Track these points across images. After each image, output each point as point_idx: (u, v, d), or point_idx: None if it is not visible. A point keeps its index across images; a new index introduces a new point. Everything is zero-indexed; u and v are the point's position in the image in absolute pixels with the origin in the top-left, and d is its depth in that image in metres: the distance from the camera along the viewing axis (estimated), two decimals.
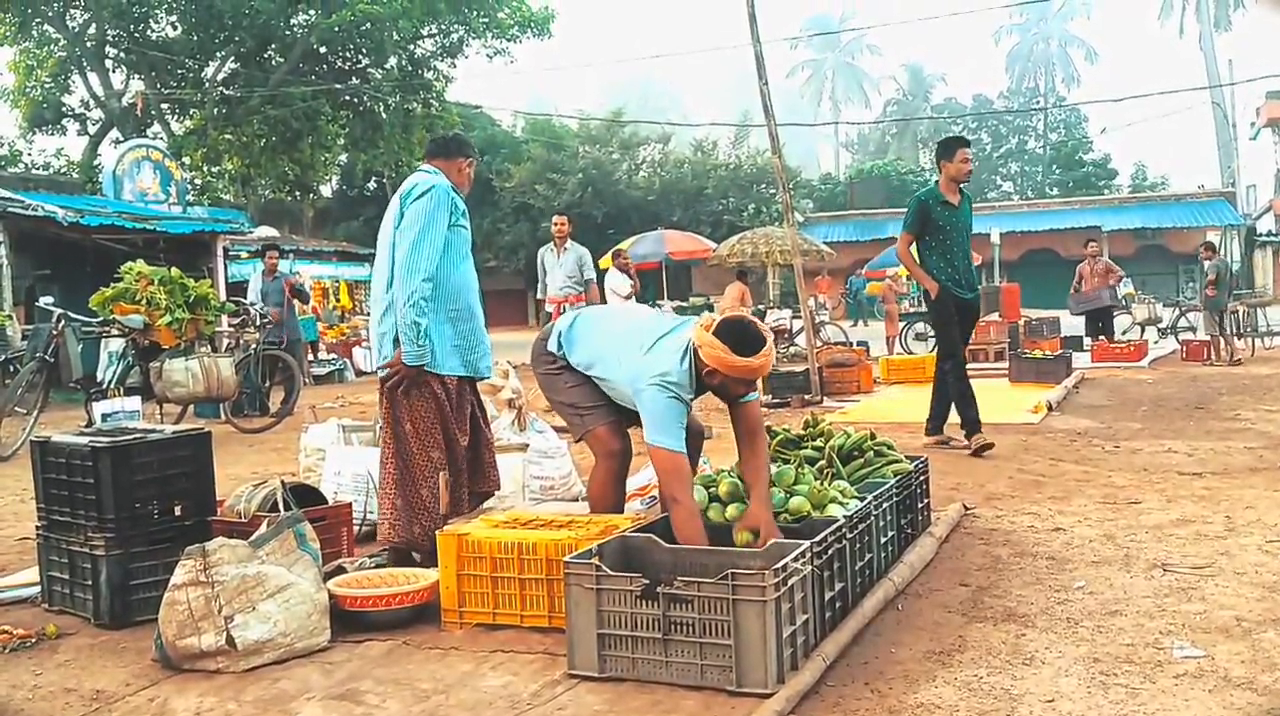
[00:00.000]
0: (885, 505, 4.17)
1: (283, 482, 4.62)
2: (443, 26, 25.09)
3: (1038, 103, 58.92)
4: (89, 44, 24.34)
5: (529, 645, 3.60)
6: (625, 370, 4.14)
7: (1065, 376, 11.84)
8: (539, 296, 10.99)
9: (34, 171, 25.31)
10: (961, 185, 7.40)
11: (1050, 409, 9.62)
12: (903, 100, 61.87)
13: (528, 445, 5.80)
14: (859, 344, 16.50)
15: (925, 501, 4.89)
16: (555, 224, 11.24)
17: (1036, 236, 36.57)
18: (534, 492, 5.74)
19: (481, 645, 3.63)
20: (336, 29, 22.93)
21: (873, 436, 4.94)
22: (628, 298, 12.67)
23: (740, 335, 3.86)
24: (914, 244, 7.39)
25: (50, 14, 23.43)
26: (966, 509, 5.44)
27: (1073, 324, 17.53)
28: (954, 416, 7.51)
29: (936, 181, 7.51)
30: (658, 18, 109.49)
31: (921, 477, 4.83)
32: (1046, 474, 6.52)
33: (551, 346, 4.50)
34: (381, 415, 4.65)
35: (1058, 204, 41.01)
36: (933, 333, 15.48)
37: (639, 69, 62.04)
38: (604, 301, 11.60)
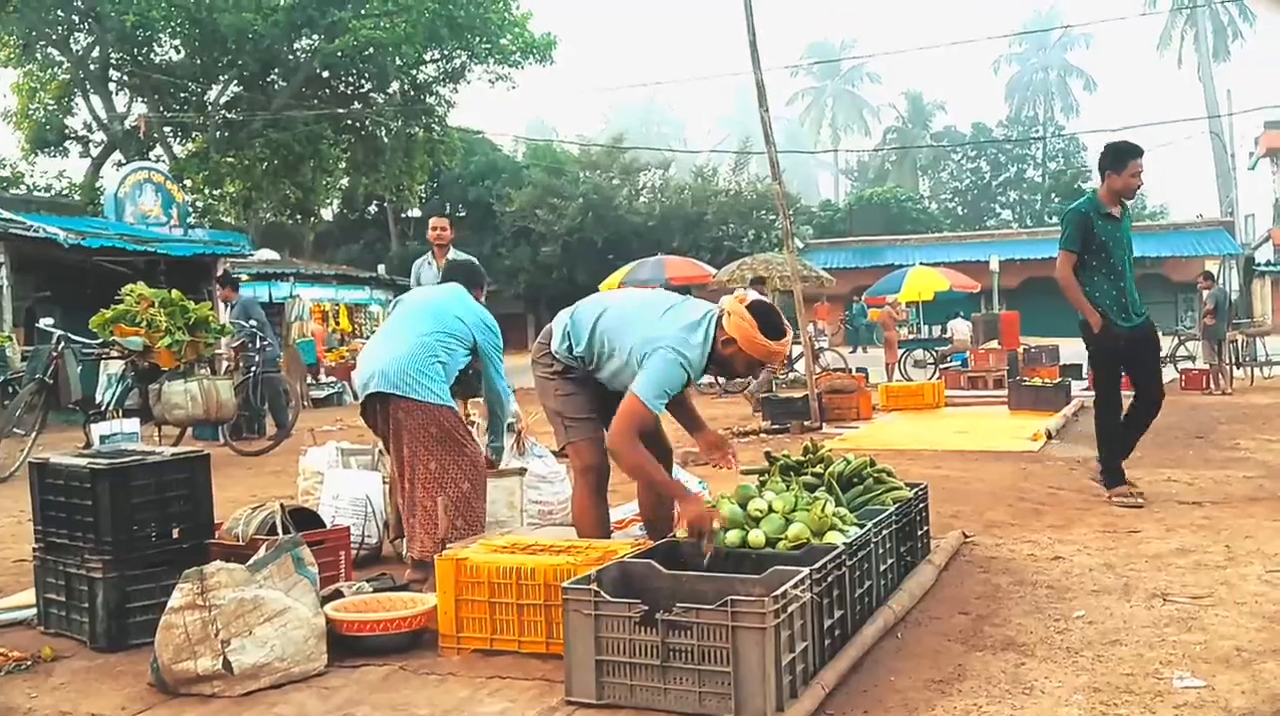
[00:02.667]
0: (885, 532, 4.16)
1: (281, 506, 4.62)
2: (445, 52, 25.26)
3: (1036, 131, 59.18)
4: (92, 67, 24.49)
5: (527, 671, 3.58)
6: (638, 334, 4.26)
7: (1064, 404, 11.84)
8: None
9: (36, 193, 25.45)
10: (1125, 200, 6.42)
11: (1050, 437, 9.61)
12: (902, 128, 62.11)
13: (525, 469, 5.79)
14: (858, 370, 16.51)
15: (925, 529, 4.88)
16: (433, 228, 8.41)
17: (1036, 264, 36.56)
18: (532, 517, 5.72)
19: (479, 671, 3.61)
20: (339, 54, 23.09)
21: (872, 463, 4.93)
22: None
23: (768, 318, 4.12)
24: (1076, 265, 6.40)
25: (54, 37, 23.60)
26: (966, 537, 5.43)
27: (1072, 352, 17.52)
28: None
29: (1094, 191, 6.50)
30: (659, 45, 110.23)
31: (921, 505, 4.82)
32: (1046, 502, 6.50)
33: (554, 347, 4.56)
34: (431, 439, 4.80)
35: (1057, 232, 41.06)
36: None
37: (640, 95, 62.48)
38: None
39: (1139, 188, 6.35)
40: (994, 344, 17.27)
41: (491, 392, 5.27)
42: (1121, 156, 6.31)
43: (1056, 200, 51.74)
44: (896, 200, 47.09)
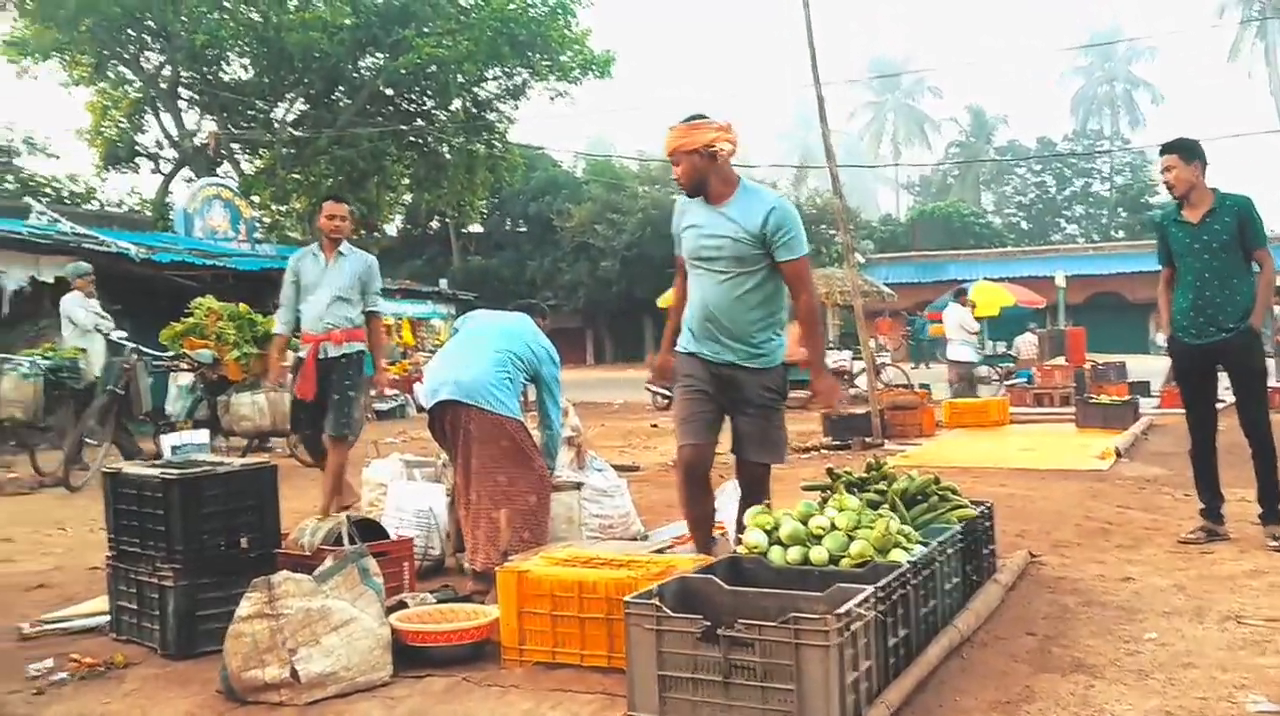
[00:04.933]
0: (950, 551, 4.11)
1: (347, 517, 4.68)
2: (506, 69, 25.49)
3: (1102, 145, 58.27)
4: (163, 85, 25.06)
5: (588, 685, 3.58)
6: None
7: (1133, 422, 11.62)
8: (277, 328, 6.68)
9: (109, 209, 26.06)
10: (1226, 196, 5.68)
11: (1118, 455, 9.43)
12: (965, 142, 61.50)
13: (582, 484, 5.82)
14: (921, 386, 16.33)
15: (990, 548, 4.81)
16: (329, 215, 6.42)
17: (1103, 280, 36.04)
18: (593, 531, 5.74)
19: (541, 684, 3.63)
20: (403, 71, 23.41)
21: (936, 481, 4.88)
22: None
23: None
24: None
25: (126, 56, 24.19)
26: (1033, 556, 5.34)
27: (1141, 369, 17.21)
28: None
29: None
30: (718, 60, 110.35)
31: (986, 523, 4.75)
32: (1114, 522, 6.38)
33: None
34: (500, 452, 4.91)
35: (1124, 247, 40.34)
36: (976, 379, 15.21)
37: (700, 109, 62.38)
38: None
39: (1171, 185, 5.70)
40: (1060, 360, 17.00)
41: (546, 421, 5.36)
42: (1160, 155, 5.83)
43: (1123, 215, 50.93)
44: (959, 214, 46.62)
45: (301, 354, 6.25)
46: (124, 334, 10.41)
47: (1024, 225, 56.26)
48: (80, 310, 10.33)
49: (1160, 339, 5.86)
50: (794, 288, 4.46)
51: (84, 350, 10.13)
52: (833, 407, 4.48)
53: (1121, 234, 48.34)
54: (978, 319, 22.83)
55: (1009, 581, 4.75)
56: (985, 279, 25.54)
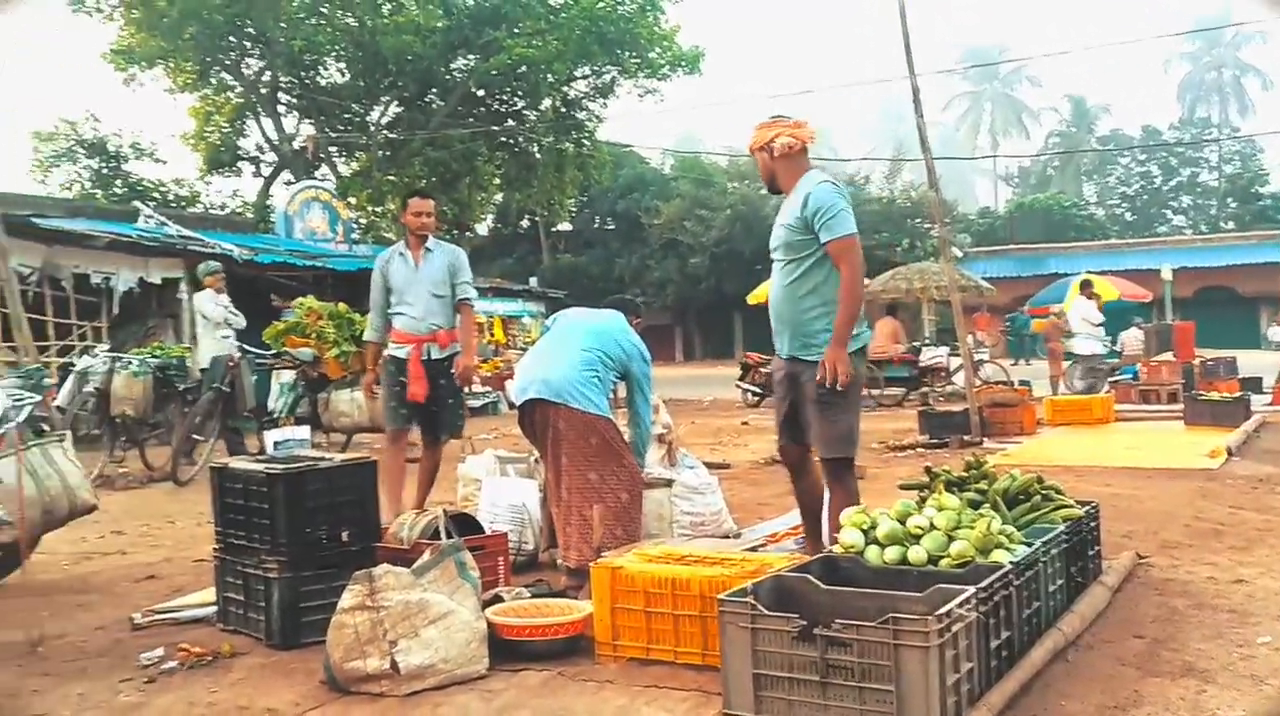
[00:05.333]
0: (1054, 552, 4.01)
1: (444, 511, 4.75)
2: (595, 68, 25.60)
3: (1210, 133, 56.30)
4: (263, 90, 25.73)
5: (682, 682, 3.58)
6: None
7: (1244, 419, 11.20)
8: (367, 336, 6.48)
9: (212, 212, 26.84)
10: None
11: (1230, 454, 9.10)
12: (1065, 132, 59.94)
13: (673, 481, 5.81)
14: (1021, 383, 15.98)
15: (1096, 549, 4.68)
16: (417, 212, 6.19)
17: (1212, 272, 34.81)
18: (683, 528, 5.73)
19: (635, 679, 3.63)
20: (494, 72, 23.68)
21: (1039, 480, 4.76)
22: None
23: None
24: None
25: (228, 62, 24.89)
26: (1140, 558, 5.19)
27: (1252, 364, 16.60)
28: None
29: None
30: (808, 52, 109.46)
31: (1092, 524, 4.62)
32: (1226, 522, 6.16)
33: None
34: (591, 449, 4.92)
35: (1234, 238, 38.97)
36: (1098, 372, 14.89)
37: (788, 105, 61.91)
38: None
39: None
40: (1167, 356, 16.48)
41: (637, 419, 5.35)
42: None
43: (1233, 205, 49.16)
44: (1060, 206, 45.45)
45: (399, 354, 6.08)
46: (228, 333, 10.73)
47: (1128, 217, 54.60)
48: (210, 304, 10.68)
49: (1275, 333, 5.63)
50: (837, 266, 4.42)
51: (190, 349, 10.46)
52: (837, 381, 4.28)
53: (1231, 225, 46.66)
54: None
55: (1115, 583, 4.62)
56: (1088, 273, 24.84)
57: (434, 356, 6.04)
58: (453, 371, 6.13)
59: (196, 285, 11.21)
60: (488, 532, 5.01)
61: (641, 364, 5.28)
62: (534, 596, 4.39)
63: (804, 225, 4.41)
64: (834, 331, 4.37)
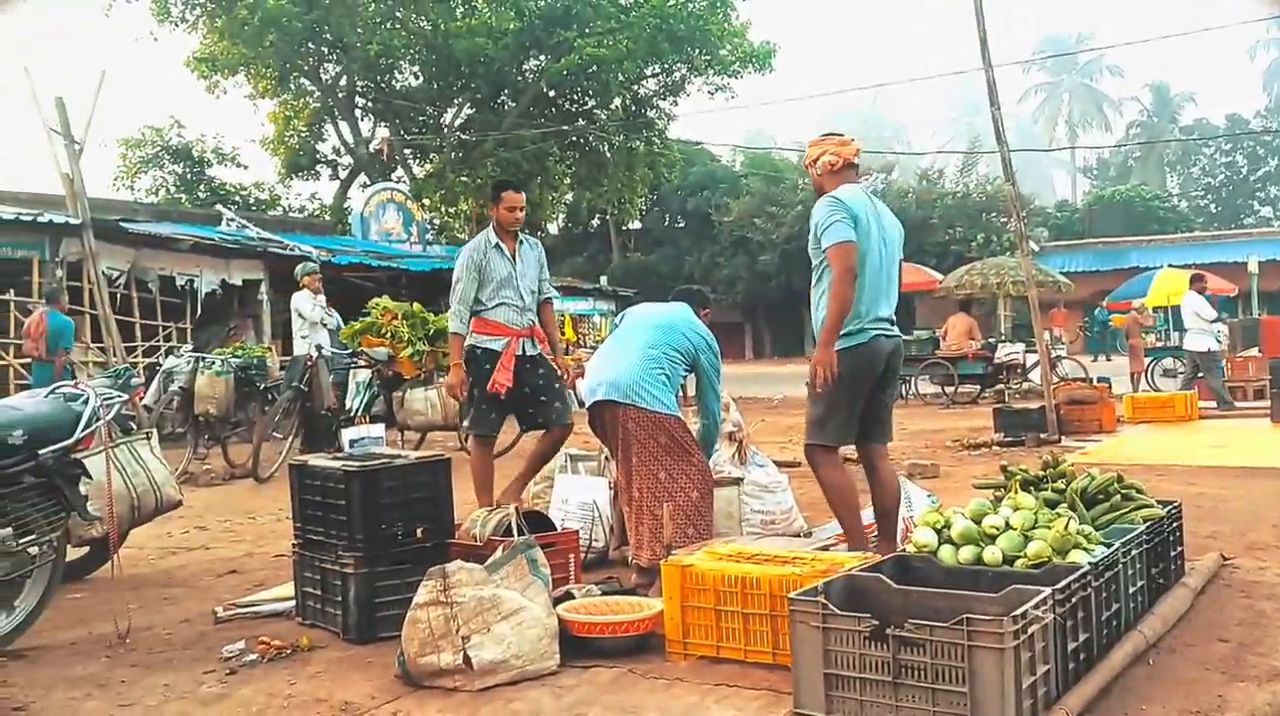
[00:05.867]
0: (1134, 552, 3.92)
1: (516, 509, 4.79)
2: (665, 66, 25.60)
3: None
4: (340, 95, 26.19)
5: (753, 681, 3.57)
6: None
7: None
8: (456, 328, 6.02)
9: (291, 214, 27.39)
10: None
11: None
12: (1147, 122, 58.44)
13: (741, 479, 5.79)
14: (1100, 380, 15.65)
15: (1179, 550, 4.57)
16: (511, 206, 6.07)
17: None
18: (753, 527, 5.71)
19: (705, 677, 3.63)
20: (565, 73, 23.79)
21: (1119, 479, 4.65)
22: None
23: None
24: None
25: (306, 68, 25.37)
26: (1225, 559, 5.05)
27: None
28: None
29: None
30: (880, 47, 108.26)
31: (1175, 524, 4.51)
32: None
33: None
34: (660, 448, 4.95)
35: None
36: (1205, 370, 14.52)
37: (861, 99, 61.26)
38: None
39: None
40: (1254, 351, 16.02)
41: (706, 411, 5.35)
42: None
43: None
44: (1141, 199, 44.34)
45: (493, 347, 5.91)
46: (306, 334, 10.94)
47: (1213, 208, 53.11)
48: (308, 304, 10.93)
49: None
50: None
51: (270, 349, 10.70)
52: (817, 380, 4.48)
53: None
54: (1158, 309, 21.81)
55: (1199, 585, 4.50)
56: (1170, 266, 24.26)
57: (528, 352, 5.97)
58: (546, 363, 6.05)
59: (276, 287, 11.46)
60: (559, 530, 5.05)
61: (710, 355, 5.28)
62: (605, 593, 4.40)
63: (814, 237, 4.74)
64: (819, 333, 4.67)
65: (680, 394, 5.22)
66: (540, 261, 6.21)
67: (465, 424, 6.41)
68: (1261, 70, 59.98)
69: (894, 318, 4.90)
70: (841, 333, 4.63)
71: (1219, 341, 14.60)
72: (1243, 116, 53.45)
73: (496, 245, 6.03)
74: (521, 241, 6.17)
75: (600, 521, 5.62)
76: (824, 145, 4.97)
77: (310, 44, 24.57)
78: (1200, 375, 14.12)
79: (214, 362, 9.96)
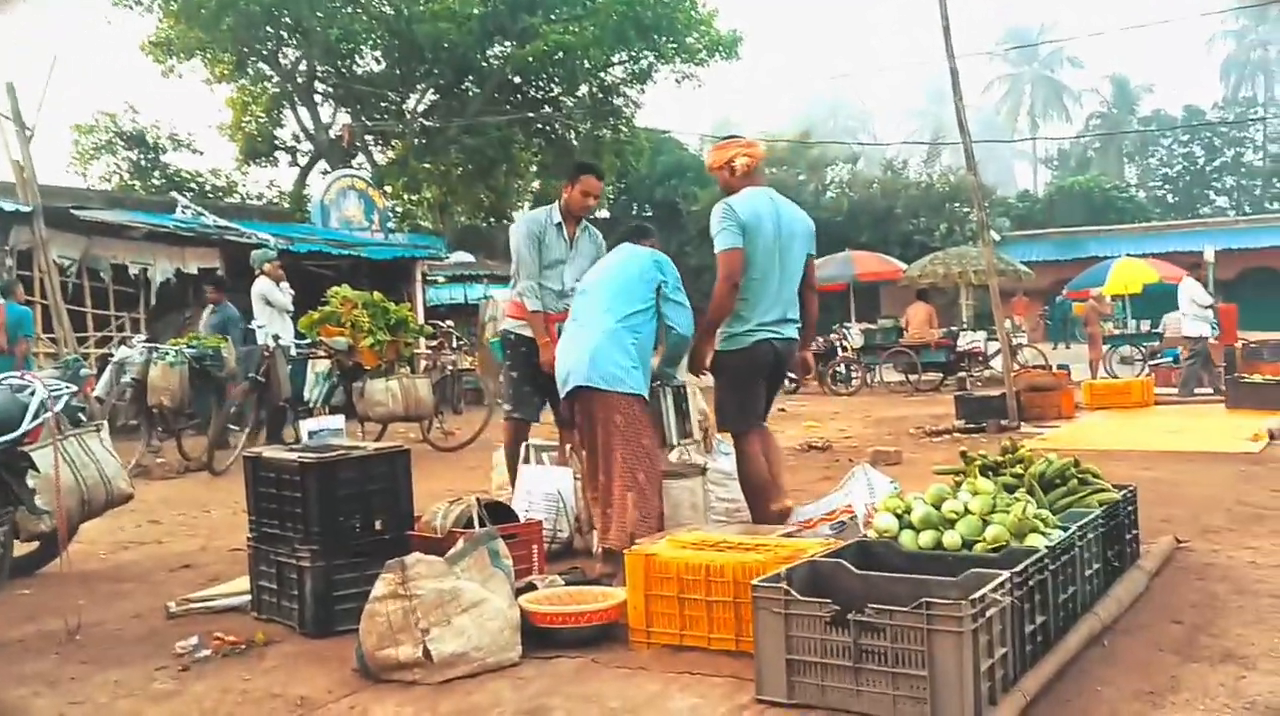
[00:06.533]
0: (1090, 536, 3.96)
1: (477, 500, 4.75)
2: (632, 53, 25.48)
3: (1255, 113, 55.24)
4: (300, 80, 25.83)
5: (716, 667, 3.56)
6: None
7: None
8: (534, 307, 5.87)
9: (249, 201, 27.03)
10: None
11: (1272, 437, 8.97)
12: (1107, 113, 59.05)
13: (706, 467, 5.77)
14: (1059, 367, 15.83)
15: (1134, 533, 4.62)
16: (591, 193, 6.01)
17: (1256, 253, 34.14)
18: (718, 515, 5.71)
19: (669, 666, 3.62)
20: (530, 59, 23.62)
21: (1076, 463, 4.69)
22: None
23: None
24: None
25: (264, 53, 25.01)
26: (1179, 542, 5.11)
27: None
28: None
29: None
30: (846, 37, 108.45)
31: (1130, 508, 4.56)
32: (1268, 506, 6.06)
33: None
34: (615, 428, 4.82)
35: (1278, 219, 38.28)
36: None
37: (827, 89, 61.39)
38: None
39: None
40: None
41: (670, 332, 5.10)
42: None
43: (1278, 185, 48.31)
44: (1100, 189, 44.77)
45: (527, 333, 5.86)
46: (263, 323, 10.82)
47: (1170, 199, 53.75)
48: (276, 291, 10.79)
49: None
50: None
51: (226, 339, 10.55)
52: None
53: (1276, 205, 45.90)
54: (1116, 297, 22.05)
55: (1154, 568, 4.56)
56: (1128, 255, 24.53)
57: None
58: None
59: (233, 275, 11.31)
60: (522, 521, 5.01)
61: (669, 283, 5.03)
62: (568, 584, 4.38)
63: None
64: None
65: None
66: (595, 256, 5.86)
67: (507, 408, 6.17)
68: (1218, 62, 60.81)
69: (792, 316, 5.14)
70: (734, 333, 5.00)
71: (1214, 327, 14.80)
72: (1200, 108, 54.16)
73: (558, 224, 5.90)
74: (585, 228, 6.05)
75: (565, 512, 5.59)
76: (733, 148, 5.20)
77: (269, 28, 24.18)
78: (1190, 359, 14.28)
79: (168, 353, 9.80)
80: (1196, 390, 13.86)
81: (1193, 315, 14.46)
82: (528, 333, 5.84)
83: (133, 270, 14.91)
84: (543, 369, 5.73)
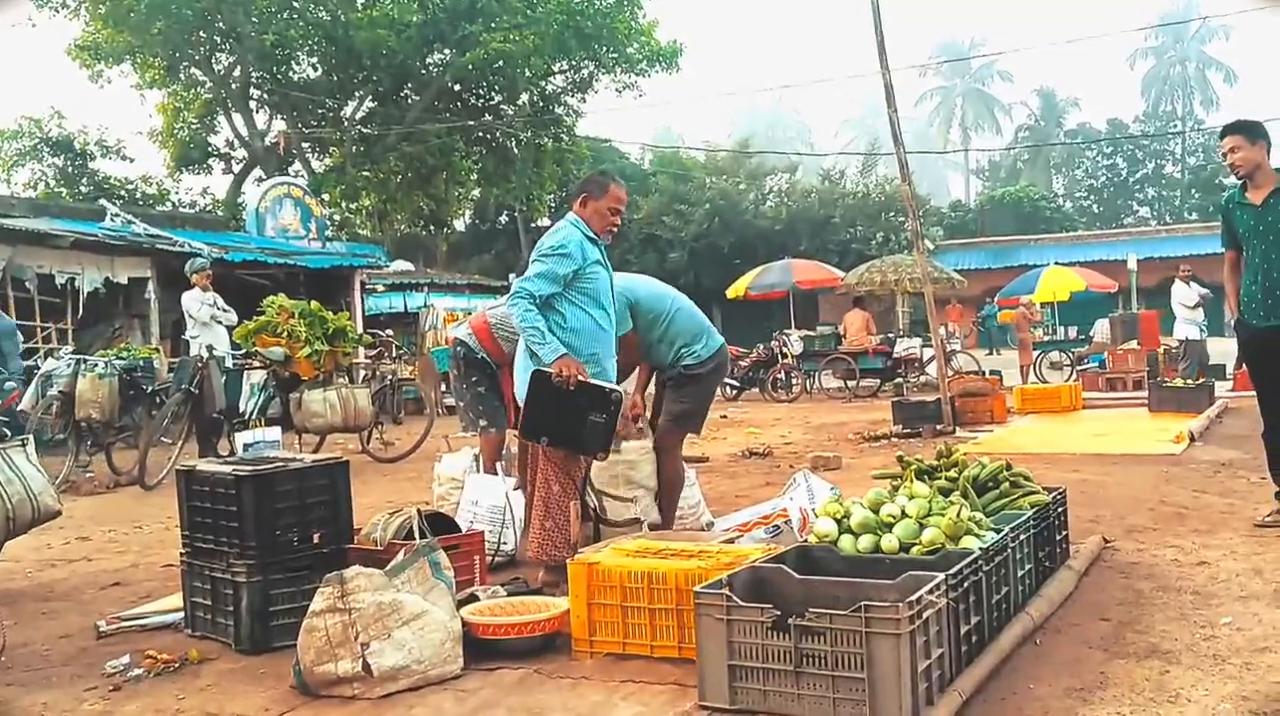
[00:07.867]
0: (1022, 537, 4.05)
1: (418, 511, 4.71)
2: (573, 63, 25.49)
3: (1175, 126, 56.74)
4: (234, 86, 25.43)
5: (659, 675, 3.58)
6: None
7: (1207, 406, 11.36)
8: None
9: (181, 209, 26.53)
10: None
11: (1192, 439, 9.22)
12: (1035, 126, 60.27)
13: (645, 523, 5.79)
14: (992, 373, 16.12)
15: (1064, 534, 4.74)
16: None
17: (1176, 262, 34.97)
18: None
19: (612, 675, 3.63)
20: (470, 67, 23.51)
21: (1008, 467, 4.80)
22: None
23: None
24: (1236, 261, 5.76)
25: (197, 57, 24.58)
26: (1106, 542, 5.25)
27: (1218, 351, 16.78)
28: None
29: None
30: (784, 49, 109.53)
31: (1059, 509, 4.67)
32: (1189, 506, 6.24)
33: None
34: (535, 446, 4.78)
35: (1198, 229, 39.19)
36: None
37: (766, 100, 62.00)
38: None
39: (1235, 166, 5.52)
40: (1133, 344, 16.67)
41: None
42: (1221, 137, 5.75)
43: (1197, 196, 49.61)
44: (1029, 199, 45.71)
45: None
46: (197, 333, 10.64)
47: (1095, 209, 55.00)
48: (195, 303, 10.59)
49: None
50: None
51: (158, 350, 10.35)
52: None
53: (1195, 216, 47.05)
54: (1044, 304, 22.50)
55: (1082, 567, 4.68)
56: (1056, 263, 25.03)
57: None
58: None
59: (164, 285, 11.11)
60: (464, 531, 4.98)
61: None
62: (511, 594, 4.36)
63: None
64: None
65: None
66: None
67: (482, 423, 6.08)
68: (1140, 77, 62.38)
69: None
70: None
71: (1202, 330, 15.09)
72: (1123, 121, 55.55)
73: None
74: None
75: (511, 524, 5.56)
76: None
77: (201, 33, 23.78)
78: (1185, 362, 14.51)
79: (96, 364, 9.57)
80: None
81: (1183, 318, 14.77)
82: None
83: (59, 280, 14.55)
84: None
